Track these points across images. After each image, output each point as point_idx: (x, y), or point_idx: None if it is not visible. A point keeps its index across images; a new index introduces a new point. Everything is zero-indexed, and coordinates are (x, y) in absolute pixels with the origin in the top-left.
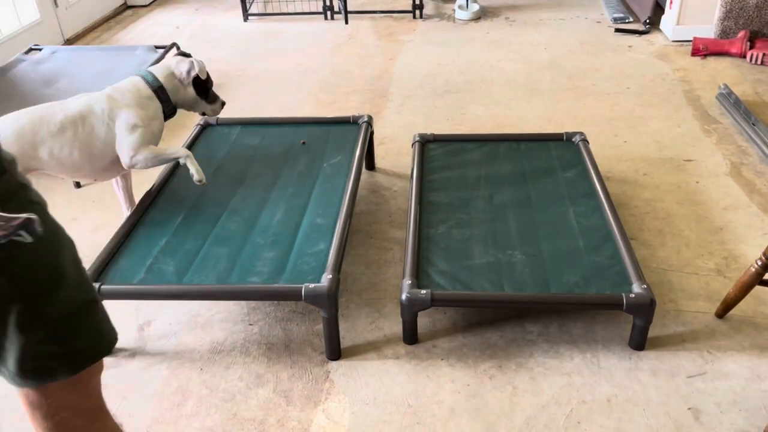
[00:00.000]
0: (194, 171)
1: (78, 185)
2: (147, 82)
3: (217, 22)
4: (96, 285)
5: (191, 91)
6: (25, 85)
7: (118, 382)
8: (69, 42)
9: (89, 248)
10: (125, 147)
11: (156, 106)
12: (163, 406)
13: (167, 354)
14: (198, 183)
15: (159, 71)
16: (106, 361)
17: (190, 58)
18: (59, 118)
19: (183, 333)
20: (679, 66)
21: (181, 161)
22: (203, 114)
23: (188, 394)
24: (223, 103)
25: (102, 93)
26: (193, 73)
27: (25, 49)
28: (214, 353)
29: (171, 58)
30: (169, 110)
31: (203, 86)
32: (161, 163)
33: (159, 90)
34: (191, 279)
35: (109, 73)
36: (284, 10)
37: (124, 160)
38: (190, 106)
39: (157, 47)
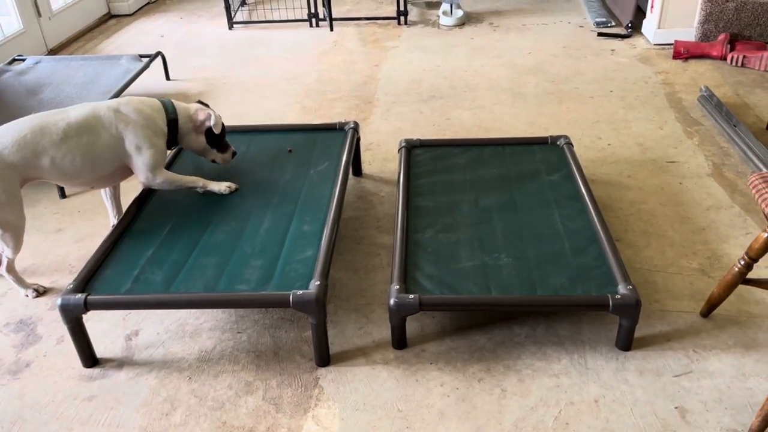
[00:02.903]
0: (219, 189)
1: (63, 195)
2: (166, 109)
3: (202, 31)
4: (82, 296)
5: (202, 139)
6: (8, 95)
7: (105, 393)
8: (53, 52)
9: (75, 258)
10: (141, 168)
11: (163, 129)
12: (152, 416)
13: (155, 363)
14: (230, 191)
15: (180, 108)
16: (93, 372)
17: (210, 110)
18: (61, 126)
19: (171, 342)
20: (661, 69)
21: (200, 190)
22: (213, 161)
23: (177, 403)
24: (234, 153)
25: (109, 105)
26: (207, 124)
27: (8, 60)
28: (202, 362)
29: (193, 104)
30: (171, 143)
31: (216, 139)
32: (178, 188)
33: (172, 122)
34: (178, 288)
35: (94, 83)
36: (269, 18)
37: (142, 180)
38: (199, 152)
39: (141, 56)
